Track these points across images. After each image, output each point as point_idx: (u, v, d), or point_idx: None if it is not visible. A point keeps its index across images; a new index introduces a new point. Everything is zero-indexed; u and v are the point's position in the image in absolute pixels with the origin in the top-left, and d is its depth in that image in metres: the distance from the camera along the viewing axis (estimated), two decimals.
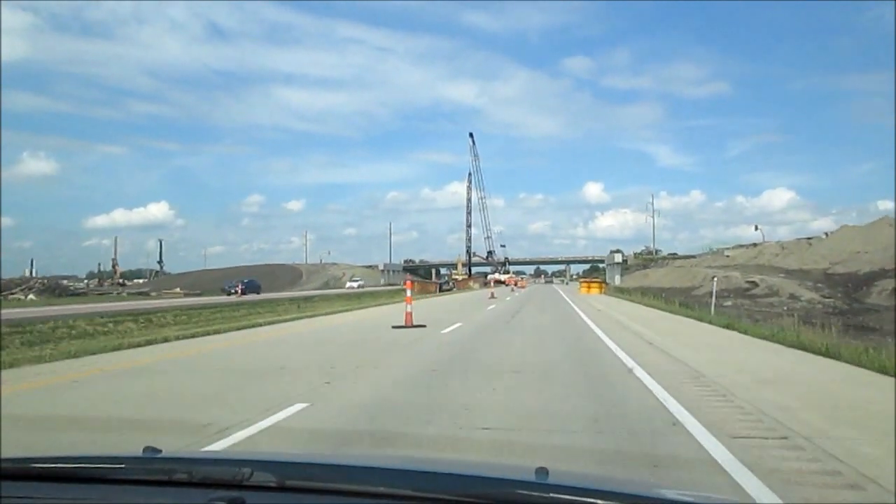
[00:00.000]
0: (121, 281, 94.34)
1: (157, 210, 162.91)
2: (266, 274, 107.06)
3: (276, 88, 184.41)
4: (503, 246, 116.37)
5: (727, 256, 61.13)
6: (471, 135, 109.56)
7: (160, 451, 1.81)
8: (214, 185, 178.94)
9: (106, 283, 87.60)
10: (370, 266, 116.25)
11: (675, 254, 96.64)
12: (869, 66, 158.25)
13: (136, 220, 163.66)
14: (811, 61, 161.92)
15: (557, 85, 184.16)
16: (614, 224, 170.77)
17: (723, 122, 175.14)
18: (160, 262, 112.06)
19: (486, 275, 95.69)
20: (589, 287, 48.16)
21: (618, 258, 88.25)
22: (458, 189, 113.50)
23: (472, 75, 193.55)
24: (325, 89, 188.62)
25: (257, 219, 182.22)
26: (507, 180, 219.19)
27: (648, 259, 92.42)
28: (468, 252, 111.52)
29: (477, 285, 70.35)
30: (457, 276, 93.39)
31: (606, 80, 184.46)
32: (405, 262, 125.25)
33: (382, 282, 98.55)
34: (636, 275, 75.09)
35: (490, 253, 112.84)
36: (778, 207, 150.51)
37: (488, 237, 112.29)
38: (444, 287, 64.29)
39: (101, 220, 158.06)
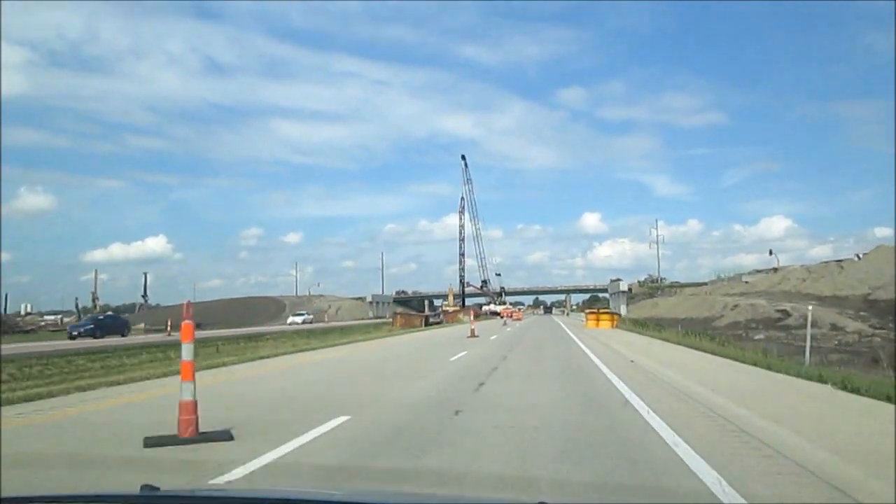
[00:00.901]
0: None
1: (155, 244, 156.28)
2: (251, 307, 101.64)
3: (273, 122, 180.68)
4: (498, 275, 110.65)
5: (746, 283, 55.08)
6: (463, 157, 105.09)
7: (158, 488, 1.81)
8: (212, 219, 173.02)
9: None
10: (358, 298, 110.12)
11: (677, 282, 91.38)
12: (864, 93, 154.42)
13: (134, 255, 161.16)
14: (806, 89, 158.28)
15: (553, 116, 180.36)
16: (612, 254, 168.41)
17: (719, 152, 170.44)
18: (144, 295, 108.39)
19: (480, 305, 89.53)
20: (598, 320, 39.21)
21: (623, 286, 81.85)
22: (455, 221, 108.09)
23: (469, 107, 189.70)
24: (323, 123, 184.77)
25: (255, 252, 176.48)
26: (504, 211, 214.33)
27: (654, 287, 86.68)
28: (461, 282, 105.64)
29: (467, 318, 64.14)
30: (447, 308, 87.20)
31: (602, 111, 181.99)
32: (397, 293, 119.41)
33: (371, 315, 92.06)
34: (644, 304, 68.95)
35: (485, 283, 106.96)
36: (776, 235, 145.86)
37: (483, 266, 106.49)
38: (432, 320, 57.80)
39: (98, 255, 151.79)
